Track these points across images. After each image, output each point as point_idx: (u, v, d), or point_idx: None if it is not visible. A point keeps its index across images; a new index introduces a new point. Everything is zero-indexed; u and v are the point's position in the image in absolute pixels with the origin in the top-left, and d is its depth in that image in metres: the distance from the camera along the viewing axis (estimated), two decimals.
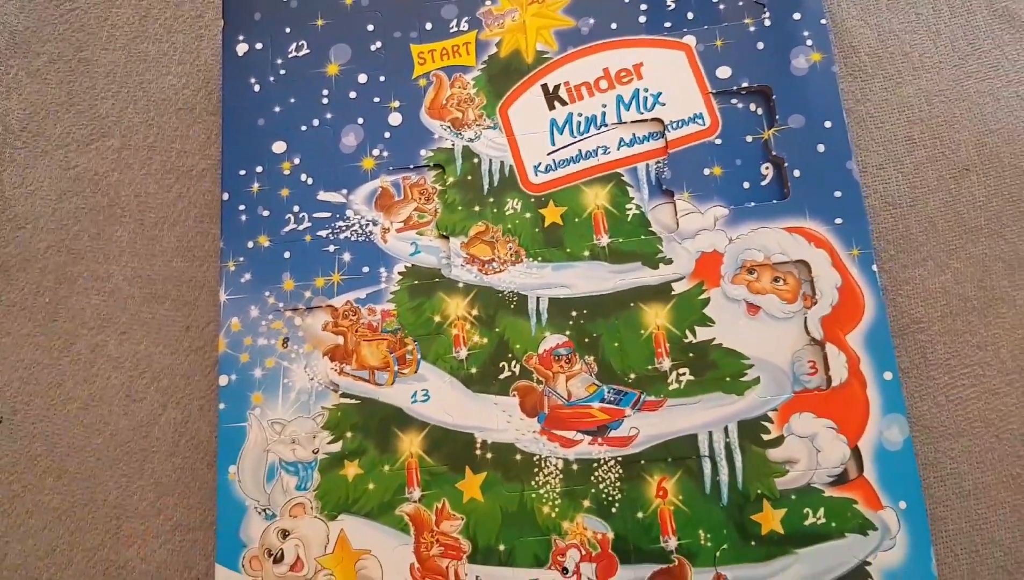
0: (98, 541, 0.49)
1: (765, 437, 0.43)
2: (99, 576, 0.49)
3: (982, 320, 0.48)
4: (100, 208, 0.55)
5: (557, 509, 0.43)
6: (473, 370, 0.45)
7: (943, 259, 0.49)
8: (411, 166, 0.49)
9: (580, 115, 0.49)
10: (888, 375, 0.43)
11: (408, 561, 0.43)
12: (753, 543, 0.42)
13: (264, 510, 0.44)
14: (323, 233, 0.48)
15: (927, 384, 0.47)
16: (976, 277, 0.49)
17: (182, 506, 0.49)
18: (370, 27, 0.51)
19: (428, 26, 0.51)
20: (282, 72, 0.51)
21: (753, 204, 0.46)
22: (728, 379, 0.44)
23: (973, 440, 0.46)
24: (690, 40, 0.49)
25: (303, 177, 0.49)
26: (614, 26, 0.50)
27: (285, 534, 0.44)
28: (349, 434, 0.45)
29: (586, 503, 0.43)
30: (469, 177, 0.49)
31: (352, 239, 0.48)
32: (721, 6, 0.50)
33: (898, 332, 0.48)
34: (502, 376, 0.45)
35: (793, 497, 0.42)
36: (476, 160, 0.49)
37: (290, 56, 0.51)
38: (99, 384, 0.52)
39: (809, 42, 0.48)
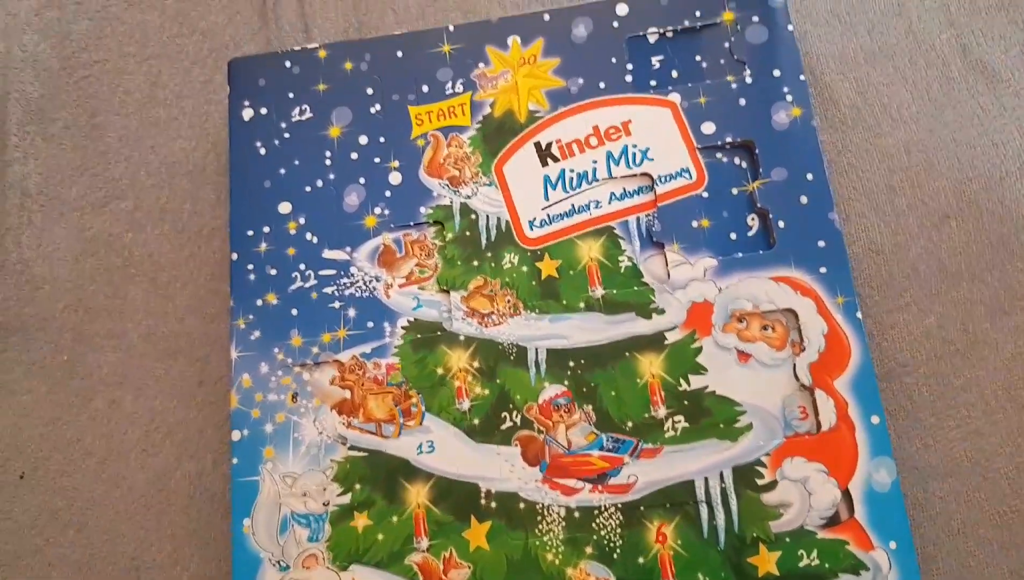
0: None
1: (759, 481, 0.44)
2: None
3: (966, 362, 0.49)
4: (115, 268, 0.56)
5: (560, 556, 0.44)
6: (476, 421, 0.46)
7: (926, 304, 0.50)
8: (411, 223, 0.50)
9: (572, 171, 0.50)
10: (875, 419, 0.44)
11: None
12: None
13: (278, 562, 0.45)
14: (328, 290, 0.49)
15: (914, 426, 0.48)
16: (959, 321, 0.50)
17: (198, 557, 0.50)
18: (369, 90, 0.52)
19: (425, 88, 0.52)
20: (286, 135, 0.52)
21: (740, 254, 0.47)
22: (722, 425, 0.45)
23: (960, 480, 0.47)
24: (675, 97, 0.50)
25: (308, 236, 0.50)
26: (602, 85, 0.51)
27: None
28: (358, 486, 0.46)
29: (588, 550, 0.44)
30: (467, 233, 0.50)
31: (356, 295, 0.49)
32: (704, 64, 0.51)
33: (884, 376, 0.49)
34: (504, 426, 0.46)
35: (787, 539, 0.43)
36: (474, 216, 0.50)
37: (293, 120, 0.53)
38: (116, 439, 0.53)
39: (789, 97, 0.49)
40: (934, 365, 0.49)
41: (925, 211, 0.52)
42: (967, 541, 0.46)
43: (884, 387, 0.48)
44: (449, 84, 0.52)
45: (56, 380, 0.54)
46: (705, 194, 0.49)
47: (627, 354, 0.46)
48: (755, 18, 0.51)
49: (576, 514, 0.44)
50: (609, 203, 0.50)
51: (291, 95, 0.53)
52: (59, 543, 0.51)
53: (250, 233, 0.51)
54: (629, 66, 0.51)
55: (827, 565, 0.42)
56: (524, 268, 0.48)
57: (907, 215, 0.52)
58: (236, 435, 0.47)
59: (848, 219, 0.52)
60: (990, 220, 0.51)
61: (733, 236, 0.48)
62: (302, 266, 0.50)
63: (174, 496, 0.51)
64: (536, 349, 0.47)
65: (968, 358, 0.49)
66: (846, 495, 0.43)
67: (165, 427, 0.52)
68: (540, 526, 0.44)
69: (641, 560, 0.43)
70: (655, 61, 0.51)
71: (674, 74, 0.51)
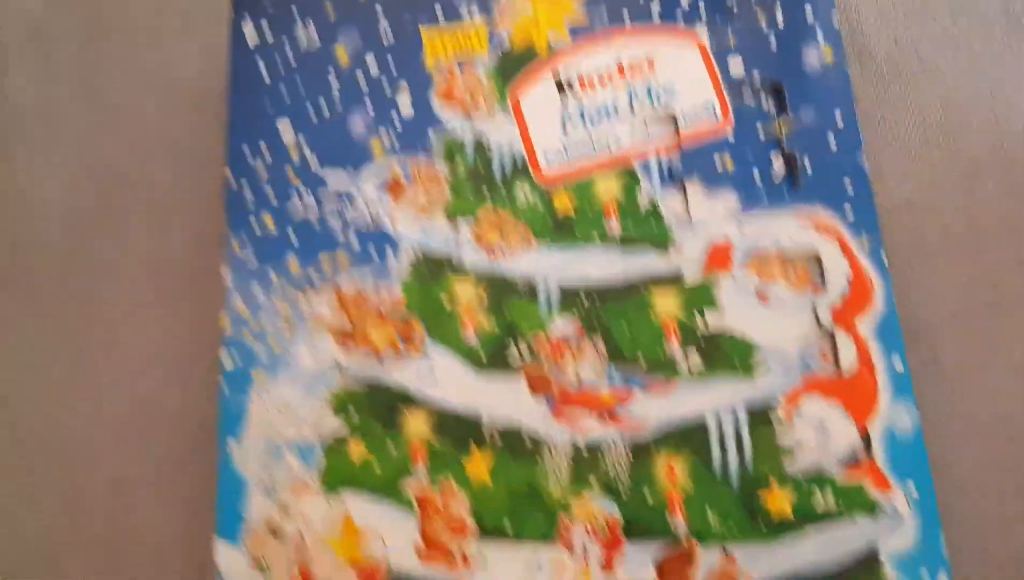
0: (100, 518, 0.54)
1: (774, 420, 0.49)
2: (99, 551, 0.54)
3: (995, 322, 0.54)
4: (112, 193, 0.61)
5: (565, 491, 0.49)
6: (481, 353, 0.51)
7: (957, 261, 0.56)
8: (420, 151, 0.56)
9: (592, 106, 0.56)
10: (897, 361, 0.49)
11: (413, 539, 0.48)
12: (762, 525, 0.47)
13: (266, 487, 0.50)
14: (330, 215, 0.55)
15: (940, 384, 0.53)
16: (990, 279, 0.55)
17: (184, 485, 0.55)
18: (379, 8, 0.58)
19: (439, 11, 0.58)
20: (290, 56, 0.58)
21: (764, 194, 0.53)
22: (738, 364, 0.50)
23: (985, 442, 0.52)
24: (702, 34, 0.56)
25: (310, 160, 0.56)
26: (627, 18, 0.57)
27: (287, 512, 0.49)
28: (354, 414, 0.51)
29: (594, 485, 0.49)
30: (479, 164, 0.55)
31: (360, 221, 0.55)
32: (734, 4, 0.57)
33: (910, 334, 0.54)
34: (510, 359, 0.51)
35: (802, 480, 0.48)
36: (487, 149, 0.55)
37: (298, 40, 0.58)
38: (105, 366, 0.58)
39: (821, 41, 0.55)
40: (962, 323, 0.54)
41: (959, 166, 0.58)
42: (988, 503, 0.51)
43: (910, 344, 0.53)
44: (465, 8, 0.58)
45: (47, 303, 0.59)
46: (730, 135, 0.54)
47: (642, 291, 0.52)
48: None
49: (583, 448, 0.49)
50: (630, 141, 0.55)
51: (296, 14, 0.59)
52: (41, 464, 0.56)
53: (248, 154, 0.56)
54: (656, 2, 0.57)
55: (842, 506, 0.47)
56: (539, 203, 0.54)
57: (941, 170, 0.58)
58: (227, 360, 0.52)
59: (880, 172, 0.58)
60: None
61: (758, 178, 0.53)
62: (302, 190, 0.55)
63: (161, 421, 0.56)
64: (547, 283, 0.52)
65: (998, 317, 0.54)
66: (864, 437, 0.48)
67: (155, 351, 0.57)
68: (545, 459, 0.49)
69: (649, 497, 0.48)
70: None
71: (702, 11, 0.57)
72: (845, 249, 0.51)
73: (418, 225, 0.54)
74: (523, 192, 0.54)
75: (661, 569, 0.47)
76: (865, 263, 0.50)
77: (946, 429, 0.52)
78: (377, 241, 0.54)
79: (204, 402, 0.55)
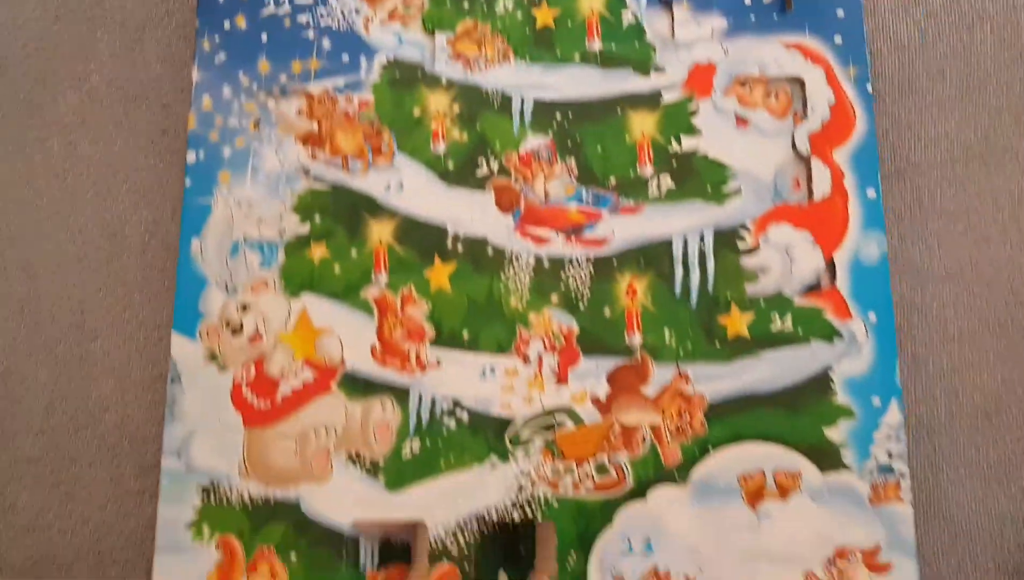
0: (61, 334, 0.54)
1: (741, 245, 0.48)
2: (60, 369, 0.54)
3: (983, 169, 0.53)
4: (83, 10, 0.59)
5: (525, 302, 0.49)
6: (450, 165, 0.51)
7: (949, 106, 0.54)
8: None
9: None
10: (871, 192, 0.48)
11: (369, 341, 0.48)
12: (718, 344, 0.47)
13: (225, 284, 0.50)
14: (303, 18, 0.53)
15: (921, 228, 0.52)
16: (981, 126, 0.54)
17: (148, 304, 0.55)
18: None
19: None
20: None
21: (753, 17, 0.51)
22: (709, 188, 0.49)
23: (963, 286, 0.51)
24: None
25: None
26: None
27: (245, 308, 0.49)
28: (318, 217, 0.50)
29: (554, 298, 0.49)
30: None
31: (333, 27, 0.53)
32: None
33: (896, 175, 0.53)
34: (479, 173, 0.50)
35: (762, 303, 0.48)
36: None
37: None
38: (71, 182, 0.57)
39: None
40: (949, 168, 0.53)
41: (959, 11, 0.56)
42: (963, 348, 0.50)
43: (894, 187, 0.52)
44: None
45: (12, 119, 0.58)
46: None
47: (619, 110, 0.50)
48: None
49: (546, 263, 0.49)
50: None
51: None
52: (4, 281, 0.56)
53: None
54: None
55: (800, 330, 0.47)
56: (519, 15, 0.52)
57: (939, 14, 0.56)
58: (191, 156, 0.51)
59: (876, 14, 0.56)
60: None
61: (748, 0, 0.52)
62: None
63: (127, 243, 0.56)
64: (522, 98, 0.51)
65: (986, 164, 0.53)
66: (830, 265, 0.48)
67: (123, 173, 0.56)
68: (507, 272, 0.49)
69: (608, 312, 0.48)
70: None
71: None
72: (831, 77, 0.50)
73: (393, 33, 0.52)
74: (504, 4, 0.52)
75: (613, 381, 0.47)
76: (850, 92, 0.49)
77: (923, 273, 0.51)
78: (351, 47, 0.52)
79: (171, 227, 0.55)
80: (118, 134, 0.57)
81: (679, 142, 0.50)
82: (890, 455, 0.45)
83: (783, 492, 0.45)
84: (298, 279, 0.50)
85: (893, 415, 0.46)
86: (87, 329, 0.54)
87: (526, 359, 0.48)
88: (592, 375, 0.47)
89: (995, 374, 0.49)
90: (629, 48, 0.51)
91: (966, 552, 0.47)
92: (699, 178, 0.49)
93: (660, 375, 0.47)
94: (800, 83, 0.50)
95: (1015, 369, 0.49)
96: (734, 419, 0.46)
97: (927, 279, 0.51)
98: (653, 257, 0.48)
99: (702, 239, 0.48)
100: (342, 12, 0.53)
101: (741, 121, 0.50)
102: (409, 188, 0.50)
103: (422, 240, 0.50)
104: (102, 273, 0.55)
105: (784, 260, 0.48)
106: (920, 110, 0.54)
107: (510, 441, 0.47)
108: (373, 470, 0.47)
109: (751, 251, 0.48)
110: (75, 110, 0.57)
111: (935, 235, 0.51)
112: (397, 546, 0.48)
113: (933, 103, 0.54)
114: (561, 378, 0.47)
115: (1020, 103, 0.53)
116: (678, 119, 0.50)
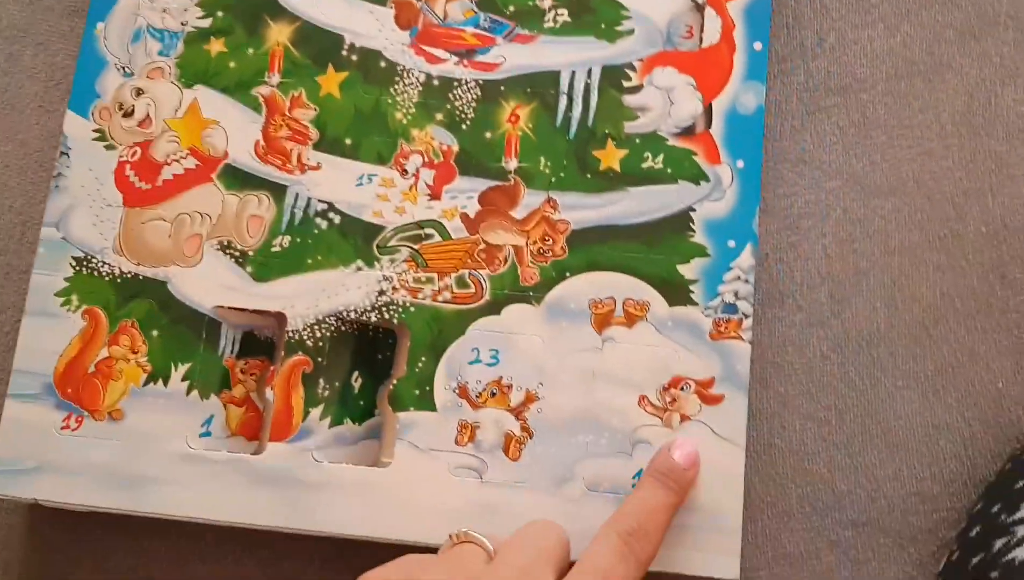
0: (1, 246, 0.55)
1: (625, 83, 0.50)
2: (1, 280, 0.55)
3: (927, 84, 0.54)
4: None
5: (410, 117, 0.50)
6: None
7: (893, 22, 0.55)
8: None
9: None
10: (758, 45, 0.49)
11: (254, 138, 0.50)
12: (589, 176, 0.48)
13: (123, 68, 0.51)
14: None
15: (864, 143, 0.53)
16: (926, 42, 0.54)
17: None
18: None
19: None
20: None
21: None
22: (604, 26, 0.50)
23: (904, 200, 0.52)
24: None
25: None
26: None
27: (139, 92, 0.51)
28: (220, 13, 0.51)
29: (439, 117, 0.50)
30: None
31: None
32: None
33: (839, 90, 0.54)
34: None
35: (637, 141, 0.49)
36: None
37: None
38: (12, 93, 0.57)
39: None
40: (893, 84, 0.53)
41: None
42: (903, 261, 0.51)
43: (839, 101, 0.53)
44: None
45: None
46: None
47: None
48: None
49: (435, 82, 0.50)
50: None
51: None
52: None
53: None
54: None
55: (669, 170, 0.48)
56: None
57: None
58: None
59: None
60: None
61: None
62: None
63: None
64: None
65: (930, 80, 0.54)
66: (707, 110, 0.49)
67: (66, 84, 0.57)
68: (396, 86, 0.50)
69: (488, 135, 0.49)
70: None
71: None
72: None
73: None
74: None
75: (484, 200, 0.49)
76: None
77: (866, 187, 0.52)
78: None
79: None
80: (62, 45, 0.57)
81: None
82: (736, 295, 0.47)
83: (630, 320, 0.47)
84: (193, 70, 0.51)
85: (746, 259, 0.47)
86: (26, 243, 0.55)
87: (404, 172, 0.49)
88: (465, 194, 0.49)
89: (934, 287, 0.51)
90: None
91: (903, 462, 0.49)
92: (595, 15, 0.50)
93: (530, 200, 0.48)
94: None
95: (954, 282, 0.50)
96: (594, 248, 0.47)
97: (870, 193, 0.52)
98: (540, 87, 0.50)
99: (589, 74, 0.49)
100: None
101: None
102: None
103: (318, 46, 0.51)
104: (43, 186, 0.55)
105: (665, 102, 0.49)
106: (866, 26, 0.54)
107: (377, 248, 0.48)
108: (242, 260, 0.48)
109: (635, 90, 0.49)
110: (15, 20, 0.57)
111: (878, 150, 0.52)
112: (262, 340, 0.49)
113: (878, 19, 0.54)
114: (435, 194, 0.49)
115: (965, 19, 0.54)
116: None
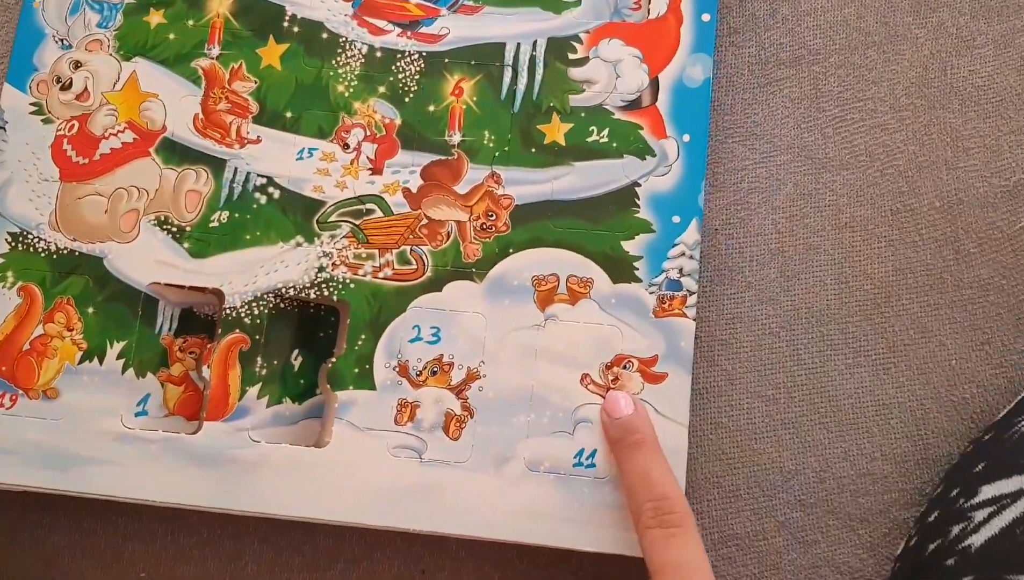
0: None
1: (571, 55, 0.49)
2: None
3: (881, 55, 0.53)
4: None
5: (352, 90, 0.49)
6: None
7: None
8: None
9: None
10: (706, 16, 0.49)
11: (193, 111, 0.49)
12: (534, 150, 0.48)
13: (62, 40, 0.50)
14: None
15: (816, 116, 0.52)
16: (880, 12, 0.53)
17: None
18: None
19: None
20: None
21: None
22: None
23: (856, 173, 0.52)
24: None
25: None
26: None
27: (77, 65, 0.50)
28: None
29: (381, 89, 0.49)
30: None
31: None
32: None
33: (792, 61, 0.53)
34: None
35: (583, 114, 0.48)
36: None
37: None
38: None
39: None
40: (847, 55, 0.53)
41: None
42: (854, 236, 0.51)
43: (790, 74, 0.52)
44: None
45: None
46: None
47: None
48: None
49: (378, 53, 0.50)
50: None
51: None
52: None
53: None
54: None
55: (615, 144, 0.48)
56: None
57: None
58: None
59: None
60: None
61: None
62: None
63: None
64: None
65: (884, 51, 0.53)
66: (654, 83, 0.48)
67: (4, 58, 0.56)
68: (339, 58, 0.50)
69: (432, 108, 0.49)
70: None
71: None
72: None
73: None
74: None
75: (426, 175, 0.48)
76: None
77: (818, 161, 0.52)
78: None
79: None
80: None
81: None
82: (681, 272, 0.46)
83: (573, 298, 0.46)
84: (132, 42, 0.50)
85: (691, 234, 0.47)
86: None
87: (345, 146, 0.48)
88: (408, 168, 0.48)
89: (886, 263, 0.50)
90: None
91: (852, 441, 0.48)
92: None
93: (473, 175, 0.48)
94: None
95: (907, 257, 0.50)
96: (537, 223, 0.47)
97: (822, 167, 0.51)
98: (484, 59, 0.49)
99: (535, 46, 0.49)
100: None
101: None
102: None
103: (259, 17, 0.50)
104: None
105: (611, 75, 0.48)
106: None
107: (318, 223, 0.47)
108: (179, 236, 0.48)
109: (580, 62, 0.48)
110: None
111: (831, 123, 0.52)
112: (202, 318, 0.49)
113: None
114: (377, 168, 0.48)
115: None
116: None
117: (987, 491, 0.42)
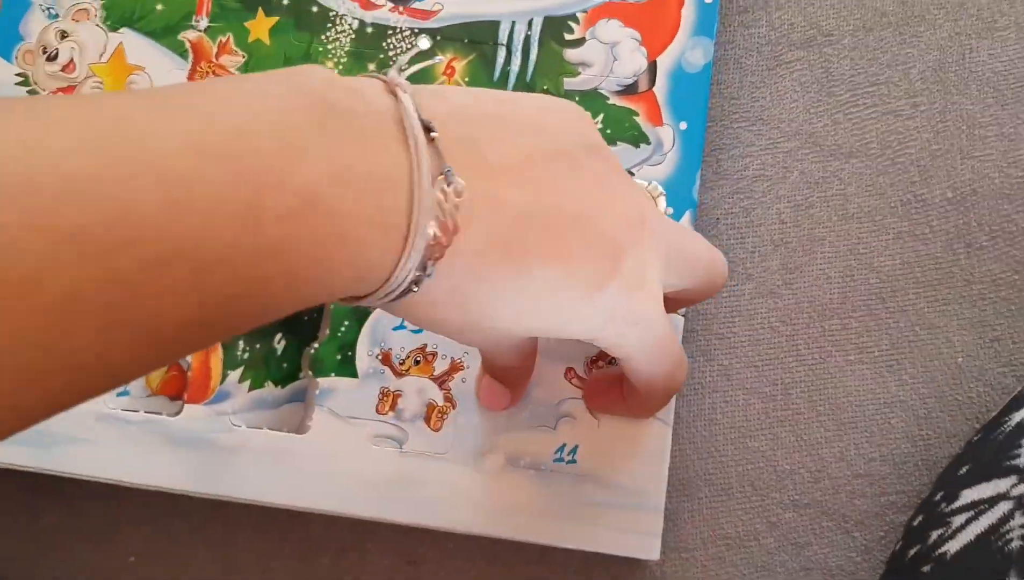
0: None
1: (567, 36, 0.48)
2: None
3: (897, 38, 0.51)
4: None
5: (341, 66, 0.49)
6: None
7: None
8: None
9: None
10: None
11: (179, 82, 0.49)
12: None
13: (48, 9, 0.50)
14: None
15: (827, 101, 0.51)
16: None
17: None
18: None
19: None
20: None
21: None
22: None
23: (866, 162, 0.50)
24: None
25: None
26: None
27: (64, 35, 0.50)
28: None
29: (371, 67, 0.49)
30: None
31: None
32: None
33: (803, 44, 0.51)
34: None
35: (576, 98, 0.47)
36: None
37: None
38: None
39: None
40: (861, 37, 0.51)
41: None
42: (861, 227, 0.50)
43: (801, 55, 0.51)
44: None
45: None
46: None
47: None
48: None
49: (369, 29, 0.49)
50: None
51: None
52: None
53: None
54: None
55: (609, 131, 0.47)
56: None
57: None
58: None
59: None
60: None
61: None
62: None
63: None
64: None
65: (900, 32, 0.51)
66: (651, 67, 0.47)
67: None
68: (328, 33, 0.49)
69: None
70: None
71: None
72: None
73: None
74: None
75: None
76: None
77: (826, 149, 0.51)
78: None
79: None
80: None
81: None
82: None
83: None
84: (119, 13, 0.50)
85: (685, 225, 0.46)
86: None
87: None
88: None
89: (894, 256, 0.49)
90: None
91: (851, 441, 0.48)
92: None
93: None
94: None
95: (915, 251, 0.49)
96: None
97: (830, 154, 0.50)
98: (478, 37, 0.48)
99: (530, 25, 0.48)
100: None
101: None
102: None
103: None
104: None
105: (607, 57, 0.47)
106: None
107: None
108: None
109: (576, 43, 0.47)
110: None
111: (841, 108, 0.50)
112: None
113: None
114: None
115: None
116: None
117: (967, 495, 0.42)
